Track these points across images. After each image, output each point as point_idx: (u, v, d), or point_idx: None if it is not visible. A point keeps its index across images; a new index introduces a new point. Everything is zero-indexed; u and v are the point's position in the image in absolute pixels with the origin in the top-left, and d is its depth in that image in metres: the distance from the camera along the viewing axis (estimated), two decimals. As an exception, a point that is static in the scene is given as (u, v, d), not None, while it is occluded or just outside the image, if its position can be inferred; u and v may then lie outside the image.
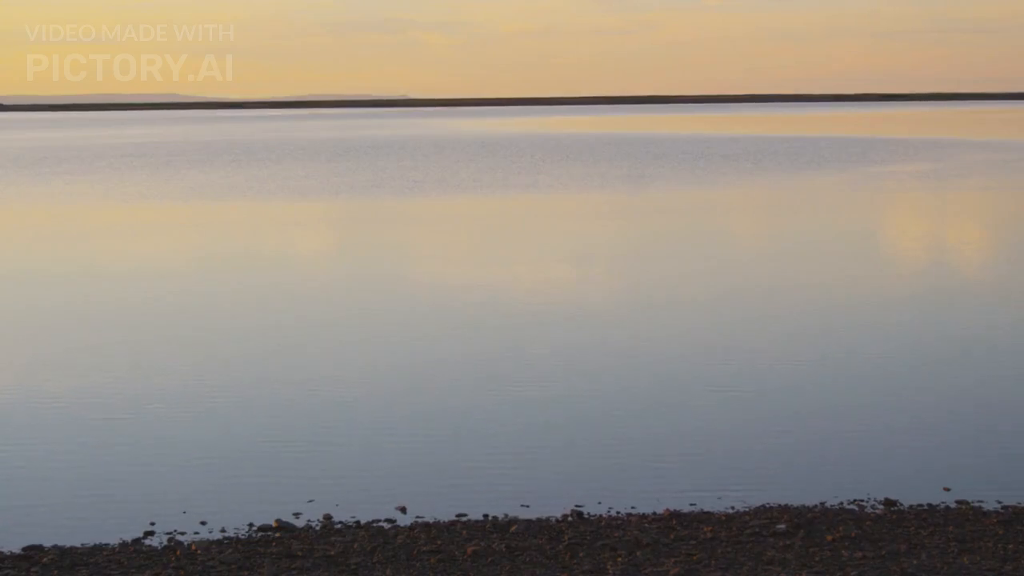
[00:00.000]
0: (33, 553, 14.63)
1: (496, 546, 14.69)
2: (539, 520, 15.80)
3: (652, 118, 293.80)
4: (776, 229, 52.02)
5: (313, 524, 15.78)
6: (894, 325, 29.46)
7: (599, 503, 16.60)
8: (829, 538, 14.83)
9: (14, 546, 14.97)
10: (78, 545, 14.96)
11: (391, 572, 13.92)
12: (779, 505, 16.29)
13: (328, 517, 16.00)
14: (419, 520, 15.94)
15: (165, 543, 15.06)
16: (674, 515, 15.87)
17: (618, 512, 16.21)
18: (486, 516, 16.02)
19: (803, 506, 16.23)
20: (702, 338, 27.98)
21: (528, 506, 16.53)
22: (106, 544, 14.99)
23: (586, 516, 15.99)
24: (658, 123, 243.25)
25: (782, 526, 15.28)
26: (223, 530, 15.58)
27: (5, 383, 24.17)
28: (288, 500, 16.78)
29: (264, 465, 18.52)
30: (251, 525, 15.69)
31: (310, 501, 16.74)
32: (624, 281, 37.73)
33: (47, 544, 15.02)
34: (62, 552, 14.64)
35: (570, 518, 15.91)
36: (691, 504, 16.56)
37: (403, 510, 16.38)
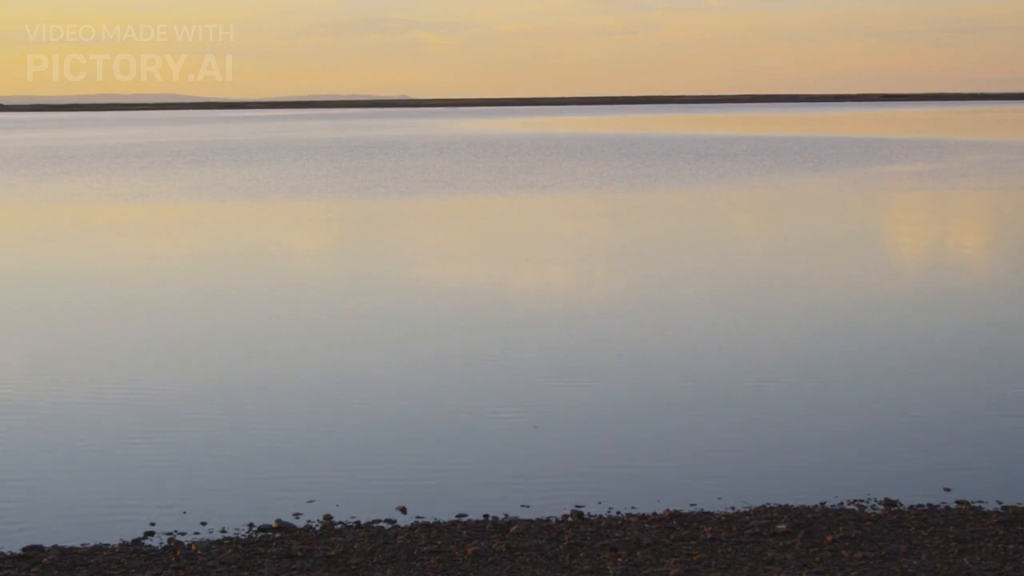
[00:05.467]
0: (33, 553, 14.63)
1: (496, 546, 14.69)
2: (539, 520, 15.80)
3: (652, 118, 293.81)
4: (776, 229, 52.03)
5: (313, 524, 15.77)
6: (894, 325, 29.46)
7: (599, 503, 16.60)
8: (829, 538, 14.82)
9: (14, 546, 14.97)
10: (78, 545, 14.96)
11: (391, 572, 13.92)
12: (779, 505, 16.29)
13: (328, 517, 16.00)
14: (419, 520, 15.94)
15: (165, 543, 15.06)
16: (674, 515, 15.87)
17: (618, 512, 16.21)
18: (486, 516, 16.02)
19: (803, 506, 16.23)
20: (702, 338, 27.98)
21: (528, 506, 16.53)
22: (106, 544, 14.99)
23: (586, 516, 15.98)
24: (658, 123, 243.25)
25: (782, 526, 15.28)
26: (223, 530, 15.58)
27: (5, 383, 24.16)
28: (288, 500, 16.78)
29: (264, 465, 18.53)
30: (251, 525, 15.69)
31: (310, 501, 16.74)
32: (624, 281, 37.73)
33: (47, 544, 15.02)
34: (62, 552, 14.63)
35: (570, 518, 15.91)
36: (691, 504, 16.56)
37: (403, 510, 16.38)
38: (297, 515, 16.13)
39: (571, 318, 30.55)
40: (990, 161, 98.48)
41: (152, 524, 15.83)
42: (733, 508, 16.33)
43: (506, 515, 16.07)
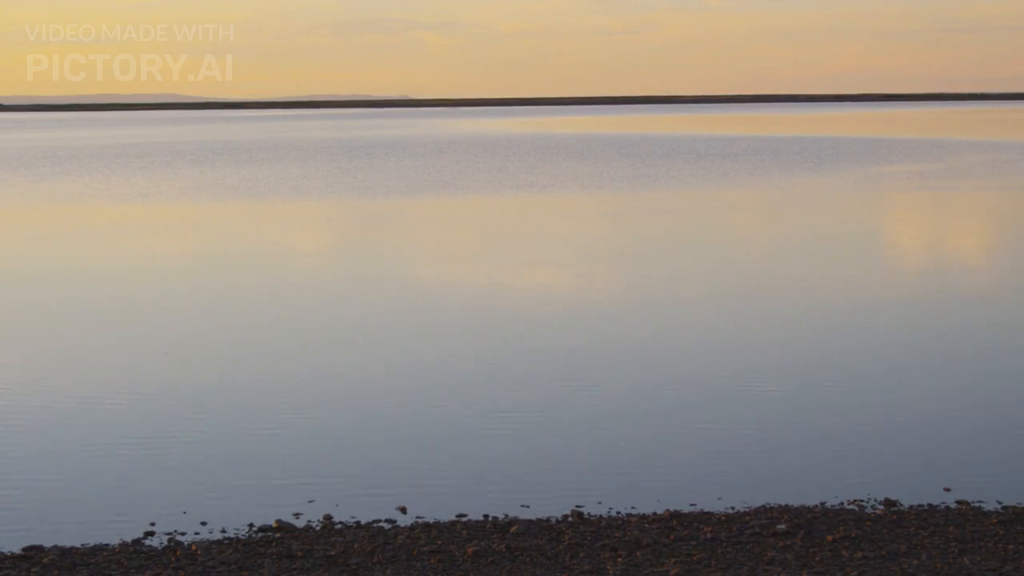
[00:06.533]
0: (33, 553, 14.63)
1: (496, 546, 14.69)
2: (539, 520, 15.80)
3: (652, 118, 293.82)
4: (776, 229, 52.03)
5: (313, 524, 15.77)
6: (894, 325, 29.46)
7: (599, 503, 16.59)
8: (829, 538, 14.82)
9: (14, 546, 14.96)
10: (78, 545, 14.96)
11: (391, 572, 13.91)
12: (779, 505, 16.29)
13: (328, 517, 16.00)
14: (419, 520, 15.94)
15: (165, 543, 15.06)
16: (674, 515, 15.87)
17: (618, 512, 16.21)
18: (486, 516, 16.02)
19: (803, 506, 16.23)
20: (702, 338, 27.98)
21: (528, 506, 16.53)
22: (106, 544, 14.99)
23: (586, 516, 15.98)
24: (658, 123, 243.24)
25: (782, 526, 15.28)
26: (223, 530, 15.58)
27: (5, 383, 24.16)
28: (288, 500, 16.78)
29: (264, 465, 18.52)
30: (251, 525, 15.69)
31: (310, 501, 16.74)
32: (624, 281, 37.74)
33: (47, 544, 15.02)
34: (62, 552, 14.63)
35: (570, 518, 15.91)
36: (691, 504, 16.56)
37: (403, 510, 16.38)
38: (297, 515, 16.13)
39: (571, 318, 30.55)
40: (990, 161, 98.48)
41: (152, 524, 15.83)
42: (733, 508, 16.33)
43: (506, 515, 16.07)
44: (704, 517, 15.83)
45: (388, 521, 15.94)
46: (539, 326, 29.50)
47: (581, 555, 14.40)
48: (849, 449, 19.12)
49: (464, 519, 15.94)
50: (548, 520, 15.81)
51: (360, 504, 16.61)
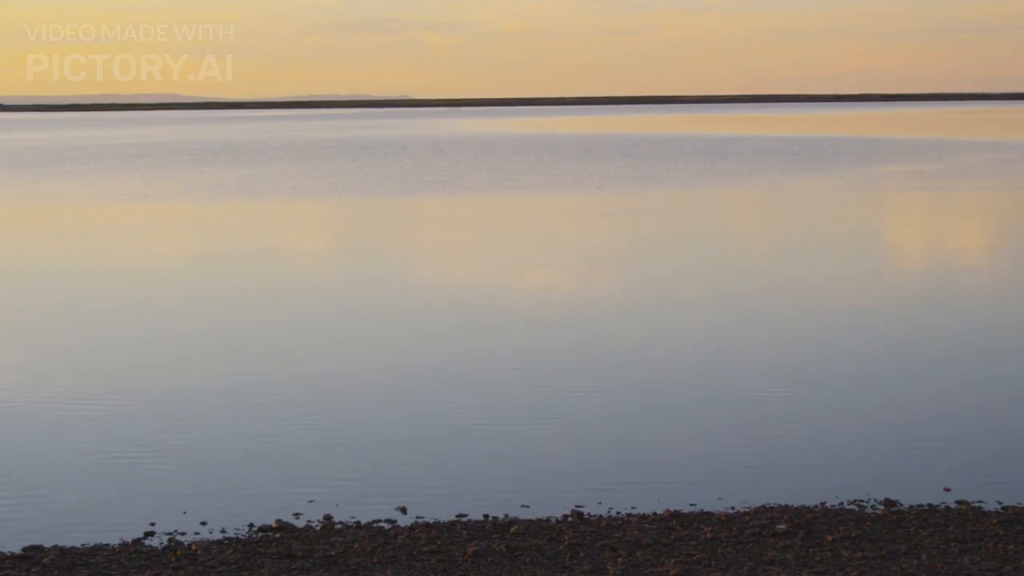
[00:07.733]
0: (33, 553, 14.63)
1: (496, 546, 14.69)
2: (539, 520, 15.80)
3: (652, 118, 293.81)
4: (777, 229, 52.03)
5: (313, 524, 15.77)
6: (894, 325, 29.47)
7: (599, 503, 16.60)
8: (829, 538, 14.83)
9: (14, 546, 14.96)
10: (78, 545, 14.96)
11: (391, 572, 13.91)
12: (779, 505, 16.29)
13: (328, 517, 16.00)
14: (419, 520, 15.94)
15: (165, 543, 15.06)
16: (674, 515, 15.87)
17: (618, 512, 16.21)
18: (486, 516, 16.02)
19: (803, 506, 16.23)
20: (702, 338, 27.99)
21: (528, 506, 16.53)
22: (106, 544, 14.99)
23: (586, 516, 15.98)
24: (658, 123, 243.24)
25: (782, 526, 15.28)
26: (223, 530, 15.58)
27: (5, 383, 24.16)
28: (288, 500, 16.77)
29: (264, 465, 18.52)
30: (251, 525, 15.69)
31: (310, 501, 16.74)
32: (624, 281, 37.74)
33: (47, 544, 15.02)
34: (62, 552, 14.63)
35: (570, 518, 15.91)
36: (691, 504, 16.56)
37: (403, 510, 16.38)
38: (297, 515, 16.13)
39: (571, 318, 30.55)
40: (990, 161, 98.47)
41: (152, 524, 15.83)
42: (733, 508, 16.33)
43: (506, 515, 16.07)
44: (704, 517, 15.83)
45: (388, 521, 15.95)
46: (539, 326, 29.50)
47: (581, 555, 14.40)
48: (849, 449, 19.12)
49: (464, 519, 15.94)
50: (548, 520, 15.81)
51: (360, 504, 16.61)
